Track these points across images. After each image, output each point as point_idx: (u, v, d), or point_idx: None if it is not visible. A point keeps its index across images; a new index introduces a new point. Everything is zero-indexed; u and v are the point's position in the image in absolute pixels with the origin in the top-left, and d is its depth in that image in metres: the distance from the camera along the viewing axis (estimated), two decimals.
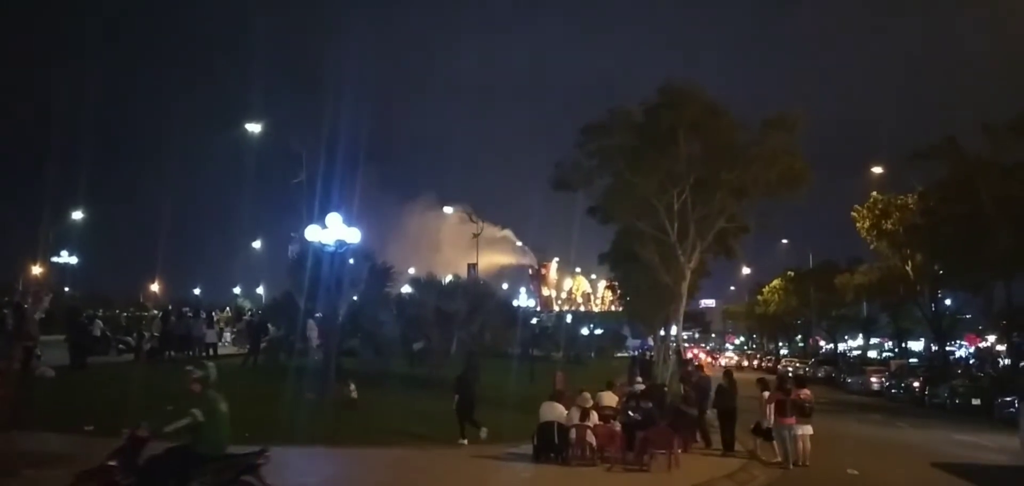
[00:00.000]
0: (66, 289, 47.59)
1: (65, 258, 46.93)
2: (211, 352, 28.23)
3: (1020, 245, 30.11)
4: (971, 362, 45.88)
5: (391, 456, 13.88)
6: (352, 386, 18.87)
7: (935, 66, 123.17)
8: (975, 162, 32.93)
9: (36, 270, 44.43)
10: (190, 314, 30.20)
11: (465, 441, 15.28)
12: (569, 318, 74.49)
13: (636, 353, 53.86)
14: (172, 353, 26.85)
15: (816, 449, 15.42)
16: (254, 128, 32.42)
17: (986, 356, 46.51)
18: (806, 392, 15.80)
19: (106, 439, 12.30)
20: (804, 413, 15.25)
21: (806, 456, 15.08)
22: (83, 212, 50.28)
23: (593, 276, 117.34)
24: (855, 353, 65.68)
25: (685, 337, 29.13)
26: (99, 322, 29.35)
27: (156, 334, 29.37)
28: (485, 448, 14.83)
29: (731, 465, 14.93)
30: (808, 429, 15.21)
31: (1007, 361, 39.17)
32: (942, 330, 44.24)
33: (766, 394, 15.89)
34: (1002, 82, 68.47)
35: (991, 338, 51.13)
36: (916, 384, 35.01)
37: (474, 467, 13.68)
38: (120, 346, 29.55)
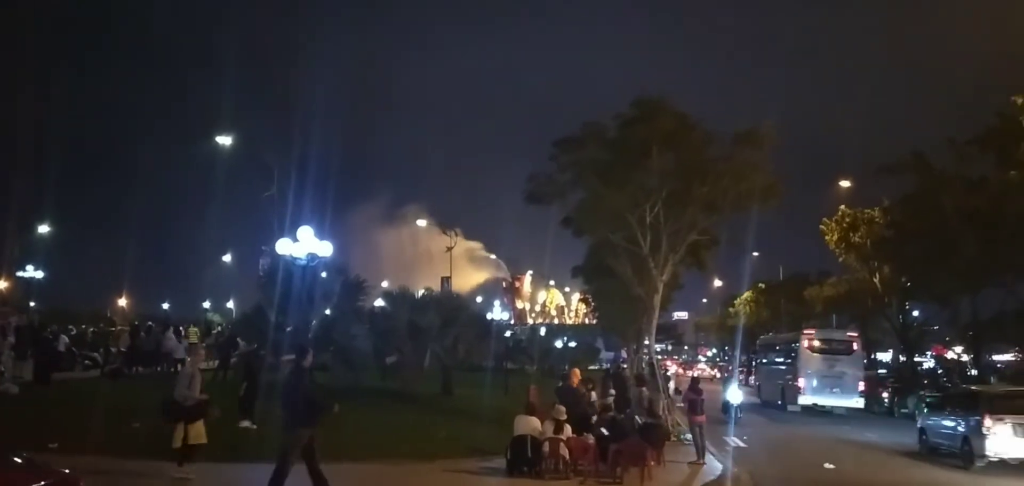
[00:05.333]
0: (31, 304, 46.73)
1: (30, 272, 46.10)
2: (180, 367, 27.88)
3: (985, 258, 30.63)
4: (939, 372, 46.53)
5: (363, 471, 13.71)
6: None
7: (901, 81, 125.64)
8: (941, 176, 33.52)
9: (0, 284, 43.62)
10: (158, 329, 29.82)
11: (247, 423, 16.18)
12: (543, 331, 74.45)
13: (609, 365, 53.87)
14: (140, 368, 26.48)
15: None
16: (225, 141, 32.18)
17: (953, 367, 47.10)
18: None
19: (71, 457, 12.10)
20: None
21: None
22: (49, 226, 49.52)
23: (567, 289, 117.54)
24: None
25: (658, 349, 29.21)
26: (64, 337, 28.85)
27: (123, 349, 28.94)
28: (459, 462, 14.74)
29: (704, 476, 15.02)
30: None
31: (974, 372, 39.72)
32: (910, 342, 44.87)
33: (644, 391, 17.88)
34: (967, 97, 69.95)
35: (959, 349, 51.87)
36: (885, 395, 35.40)
37: (447, 481, 13.60)
38: (86, 362, 29.07)
